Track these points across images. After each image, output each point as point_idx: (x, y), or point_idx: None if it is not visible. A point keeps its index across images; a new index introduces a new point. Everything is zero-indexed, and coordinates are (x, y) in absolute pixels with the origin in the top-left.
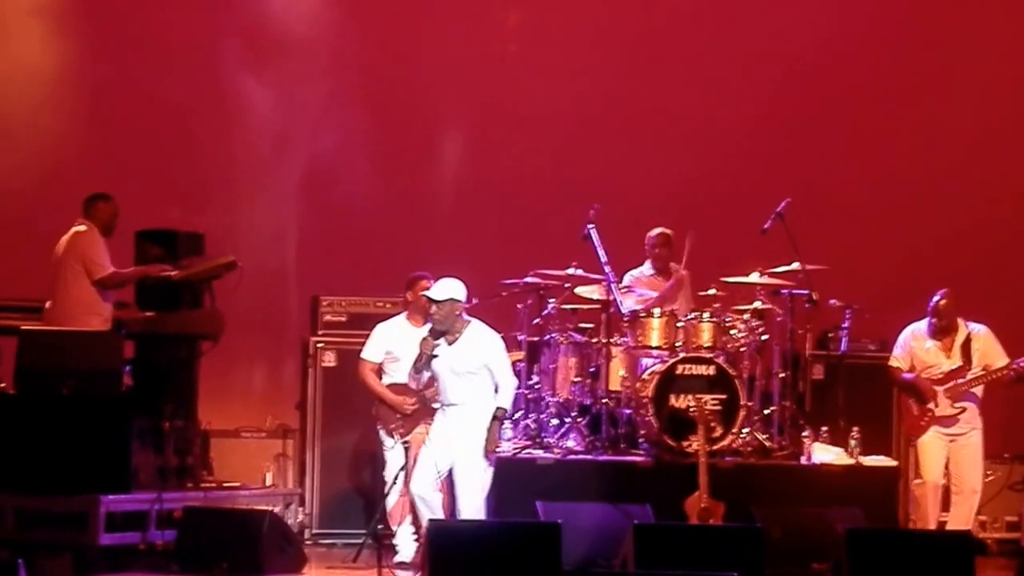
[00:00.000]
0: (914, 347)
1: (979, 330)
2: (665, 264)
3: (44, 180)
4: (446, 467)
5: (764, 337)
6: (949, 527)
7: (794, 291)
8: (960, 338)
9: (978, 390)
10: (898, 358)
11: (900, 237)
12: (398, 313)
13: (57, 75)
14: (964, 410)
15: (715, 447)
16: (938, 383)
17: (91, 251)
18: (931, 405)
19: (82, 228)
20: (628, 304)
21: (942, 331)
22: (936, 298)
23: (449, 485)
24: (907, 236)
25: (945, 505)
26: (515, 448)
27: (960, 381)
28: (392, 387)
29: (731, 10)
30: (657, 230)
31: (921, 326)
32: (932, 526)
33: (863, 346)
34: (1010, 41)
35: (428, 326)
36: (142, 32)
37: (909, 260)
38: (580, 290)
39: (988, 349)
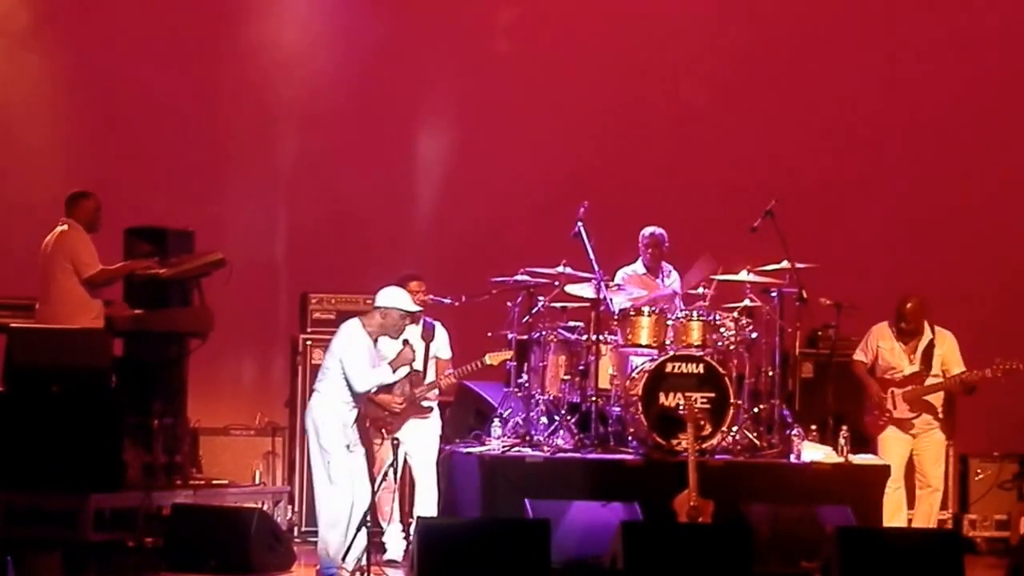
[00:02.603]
0: (880, 346)
1: (943, 335)
2: (657, 263)
3: (32, 178)
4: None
5: (753, 335)
6: (915, 524)
7: (783, 289)
8: (924, 342)
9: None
10: (862, 352)
11: (889, 235)
12: None
13: (43, 72)
14: (920, 415)
15: (704, 445)
16: (897, 385)
17: (78, 249)
18: (889, 406)
19: (66, 227)
20: (618, 302)
21: (908, 334)
22: (904, 301)
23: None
24: (897, 234)
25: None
26: (504, 446)
27: (917, 387)
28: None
29: (722, 6)
30: (649, 230)
31: (886, 327)
32: (899, 524)
33: (852, 344)
34: (999, 38)
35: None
36: (127, 27)
37: (898, 258)
38: (570, 288)
39: (948, 356)
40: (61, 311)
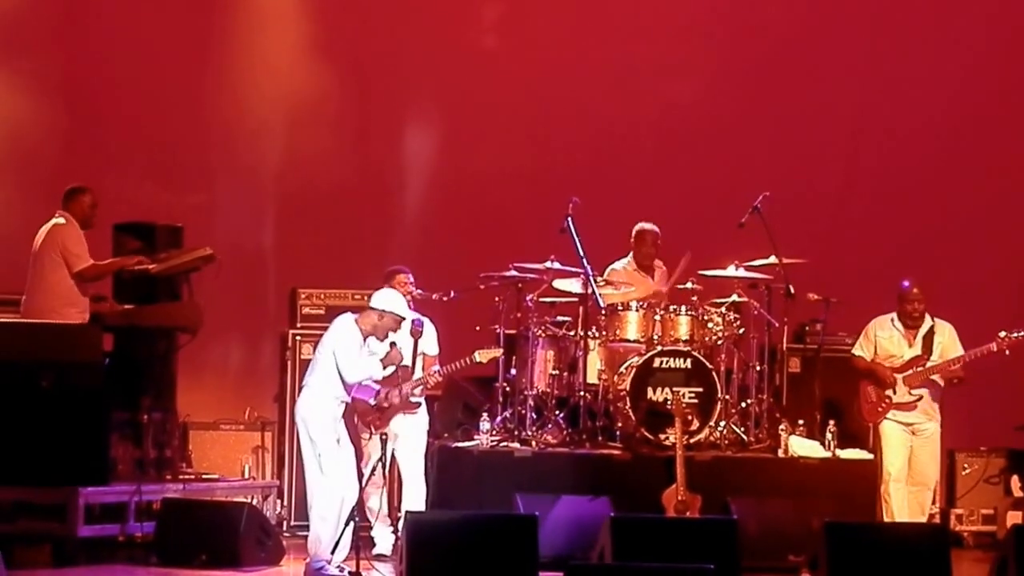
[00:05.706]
0: (879, 336)
1: (943, 326)
2: (650, 261)
3: (20, 172)
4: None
5: (741, 330)
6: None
7: (771, 284)
8: (924, 329)
9: (938, 381)
10: (862, 346)
11: (877, 230)
12: None
13: (30, 66)
14: (921, 397)
15: (692, 440)
16: (898, 371)
17: (70, 243)
18: (888, 391)
19: (61, 220)
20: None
21: (913, 319)
22: (906, 285)
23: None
24: (884, 229)
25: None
26: (493, 441)
27: (919, 369)
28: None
29: (709, 3)
30: (643, 227)
31: (886, 318)
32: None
33: (840, 339)
34: (986, 34)
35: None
36: (114, 21)
37: (886, 253)
38: (558, 283)
39: (949, 345)
40: (47, 304)
